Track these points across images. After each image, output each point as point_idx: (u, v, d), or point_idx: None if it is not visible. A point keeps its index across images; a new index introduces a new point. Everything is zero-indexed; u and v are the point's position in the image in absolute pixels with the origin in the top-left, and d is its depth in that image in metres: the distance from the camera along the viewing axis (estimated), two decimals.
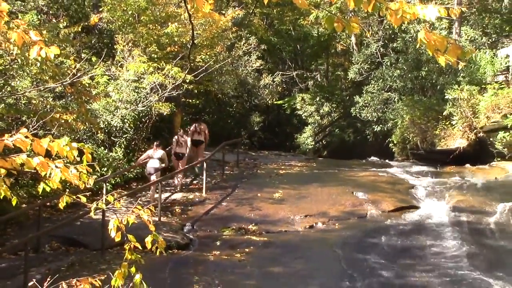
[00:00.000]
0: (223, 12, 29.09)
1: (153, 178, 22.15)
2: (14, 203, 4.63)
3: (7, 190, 4.25)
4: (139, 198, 21.29)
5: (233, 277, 15.15)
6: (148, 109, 24.60)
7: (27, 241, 15.66)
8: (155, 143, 23.37)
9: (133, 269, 4.66)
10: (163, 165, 22.98)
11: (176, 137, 24.65)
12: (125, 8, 26.68)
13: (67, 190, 4.54)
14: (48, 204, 18.19)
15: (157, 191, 21.42)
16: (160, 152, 22.84)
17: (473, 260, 16.20)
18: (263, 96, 38.62)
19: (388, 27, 37.42)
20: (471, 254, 16.61)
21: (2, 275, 14.50)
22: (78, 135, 21.29)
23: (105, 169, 21.74)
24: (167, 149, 24.13)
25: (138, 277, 4.69)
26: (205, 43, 27.11)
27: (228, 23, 29.05)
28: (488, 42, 38.50)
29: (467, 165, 30.19)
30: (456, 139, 32.64)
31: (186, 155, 24.68)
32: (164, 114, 25.00)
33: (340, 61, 43.53)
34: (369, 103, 37.21)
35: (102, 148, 23.06)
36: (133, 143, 24.84)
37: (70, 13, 28.25)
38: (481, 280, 14.78)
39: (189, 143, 25.00)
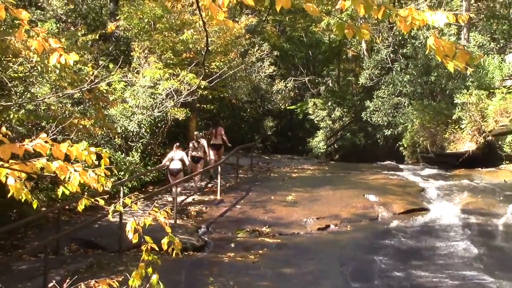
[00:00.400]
0: (237, 19, 29.13)
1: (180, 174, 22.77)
2: (34, 206, 4.65)
3: (28, 193, 4.26)
4: (156, 201, 21.30)
5: (247, 278, 15.15)
6: (164, 114, 24.65)
7: (47, 244, 15.74)
8: (175, 144, 23.81)
9: (150, 270, 4.67)
10: (185, 165, 23.48)
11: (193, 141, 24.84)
12: (141, 16, 26.76)
13: (86, 193, 4.55)
14: (67, 207, 18.24)
15: (178, 190, 22.01)
16: (180, 153, 23.29)
17: (482, 261, 16.17)
18: (276, 101, 38.65)
19: (397, 33, 37.37)
20: (480, 256, 16.58)
21: (22, 277, 14.55)
22: (96, 140, 21.35)
23: (122, 173, 21.80)
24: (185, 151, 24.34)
25: (154, 278, 4.70)
26: (219, 49, 27.15)
27: (242, 30, 29.08)
28: (496, 48, 38.40)
29: (477, 168, 30.14)
30: (465, 143, 32.60)
31: (202, 159, 24.89)
32: (180, 119, 25.06)
33: (351, 66, 43.57)
34: (380, 108, 37.18)
35: (119, 152, 23.12)
36: (149, 147, 24.91)
37: (88, 22, 28.37)
38: (490, 282, 14.74)
39: (205, 145, 25.25)
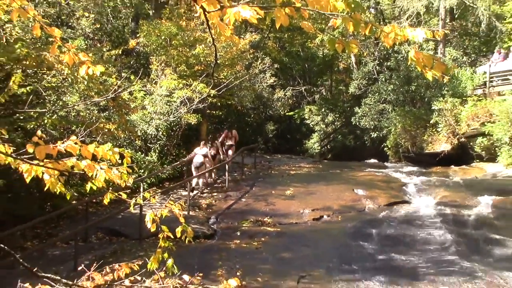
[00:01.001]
0: (242, 36, 29.13)
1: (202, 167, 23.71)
2: (68, 197, 4.67)
3: (62, 186, 4.29)
4: (171, 195, 21.33)
5: (251, 262, 15.17)
6: (178, 119, 24.76)
7: (77, 232, 15.88)
8: (202, 141, 24.83)
9: (166, 255, 4.68)
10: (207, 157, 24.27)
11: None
12: (158, 34, 26.81)
13: (110, 188, 4.57)
14: (94, 200, 18.28)
15: (200, 181, 23.42)
16: (204, 150, 24.13)
17: (456, 246, 16.21)
18: (276, 108, 38.64)
19: (382, 48, 37.38)
20: (454, 242, 16.60)
21: (56, 261, 14.58)
22: (119, 142, 21.40)
23: (142, 170, 21.86)
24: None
25: (170, 262, 4.72)
26: (226, 63, 27.18)
27: (246, 46, 29.10)
28: (468, 61, 38.46)
29: (451, 166, 30.25)
30: (441, 144, 32.73)
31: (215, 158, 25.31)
32: (192, 123, 25.13)
33: (342, 77, 43.56)
34: (367, 113, 37.23)
35: (139, 152, 23.19)
36: (165, 148, 24.98)
37: (112, 39, 28.37)
38: (462, 264, 14.80)
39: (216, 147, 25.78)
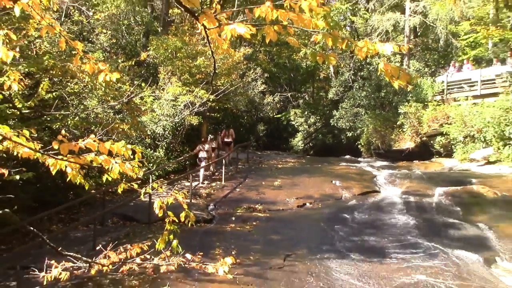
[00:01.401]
0: (237, 49, 29.09)
1: (203, 164, 24.15)
2: (86, 187, 4.67)
3: (82, 178, 4.28)
4: (176, 186, 21.29)
5: (245, 242, 15.17)
6: (182, 120, 24.79)
7: (95, 217, 15.87)
8: (209, 137, 26.00)
9: (171, 237, 4.67)
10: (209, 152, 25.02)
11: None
12: (166, 48, 26.79)
13: (124, 179, 4.56)
14: (110, 190, 18.28)
15: (205, 172, 24.24)
16: (207, 146, 24.84)
17: (418, 229, 16.25)
18: (266, 111, 38.61)
19: (357, 60, 37.42)
20: (416, 225, 16.66)
21: (77, 242, 14.55)
22: (131, 140, 21.38)
23: (151, 164, 21.86)
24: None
25: (175, 242, 4.71)
26: (223, 72, 27.17)
27: (241, 58, 29.08)
28: (429, 72, 38.62)
29: (414, 161, 30.40)
30: (406, 142, 32.89)
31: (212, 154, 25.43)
32: (194, 124, 25.17)
33: (322, 85, 43.55)
34: (343, 116, 37.30)
35: (149, 149, 23.19)
36: (171, 145, 24.98)
37: (126, 52, 28.31)
38: (423, 244, 14.82)
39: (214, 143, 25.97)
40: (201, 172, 24.05)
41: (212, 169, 25.62)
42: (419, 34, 41.17)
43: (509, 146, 25.87)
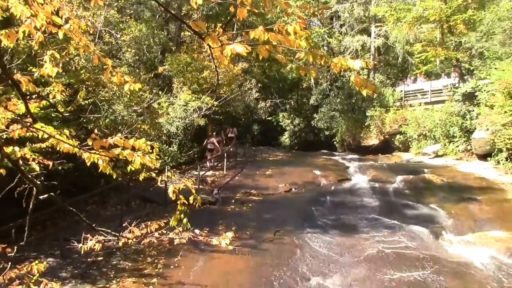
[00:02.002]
0: (236, 64, 29.04)
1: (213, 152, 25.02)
2: (114, 176, 4.66)
3: (110, 169, 4.27)
4: (186, 174, 21.29)
5: (242, 220, 15.18)
6: (192, 122, 24.79)
7: (122, 200, 15.85)
8: (214, 133, 26.73)
9: (183, 216, 4.66)
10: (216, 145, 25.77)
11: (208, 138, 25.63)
12: (178, 63, 26.78)
13: (144, 169, 4.56)
14: (133, 178, 18.22)
15: (210, 164, 24.51)
16: (214, 139, 25.60)
17: (381, 209, 16.30)
18: (260, 114, 38.50)
19: (332, 73, 37.42)
20: (380, 206, 16.70)
21: (107, 220, 14.55)
22: (150, 137, 21.30)
23: (166, 157, 21.79)
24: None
25: (185, 220, 4.70)
26: (225, 82, 27.12)
27: (239, 71, 29.03)
28: (390, 83, 38.62)
29: (379, 155, 30.43)
30: (372, 139, 32.99)
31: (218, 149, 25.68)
32: (201, 124, 25.15)
33: (304, 93, 43.47)
34: (322, 118, 37.29)
35: (165, 145, 23.14)
36: (183, 142, 24.96)
37: (146, 66, 28.26)
38: (385, 220, 14.89)
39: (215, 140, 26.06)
40: (208, 163, 24.35)
41: (216, 162, 25.61)
42: (382, 52, 41.15)
43: (453, 143, 25.97)
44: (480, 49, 26.03)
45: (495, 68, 21.44)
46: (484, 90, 22.42)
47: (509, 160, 21.05)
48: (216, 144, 26.04)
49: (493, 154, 22.20)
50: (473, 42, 26.35)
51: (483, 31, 25.36)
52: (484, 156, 22.96)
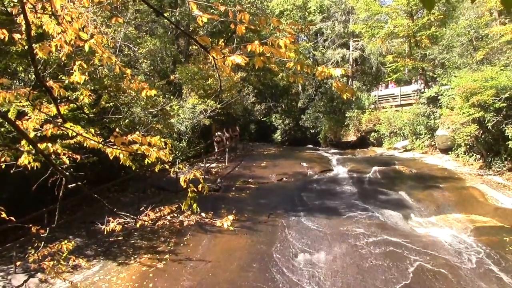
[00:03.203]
0: (236, 73, 28.98)
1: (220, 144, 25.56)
2: (133, 168, 4.65)
3: (130, 161, 4.27)
4: (194, 166, 21.27)
5: (241, 205, 15.19)
6: (198, 122, 24.72)
7: (139, 188, 15.81)
8: (224, 129, 26.83)
9: (192, 201, 4.66)
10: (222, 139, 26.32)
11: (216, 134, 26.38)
12: (187, 72, 26.69)
13: (159, 162, 4.55)
14: (149, 169, 18.21)
15: (217, 156, 24.81)
16: (222, 135, 26.14)
17: (359, 195, 16.32)
18: (256, 115, 38.53)
19: (317, 80, 37.32)
20: (358, 192, 16.72)
21: (127, 205, 14.53)
22: (163, 135, 21.24)
23: (177, 152, 21.76)
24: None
25: (195, 205, 4.70)
26: (226, 89, 27.07)
27: (238, 79, 28.98)
28: (366, 89, 38.59)
29: (356, 149, 30.45)
30: (351, 136, 32.98)
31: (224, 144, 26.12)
32: (206, 124, 25.08)
33: (294, 98, 43.30)
34: (308, 119, 37.28)
35: (176, 141, 23.07)
36: (191, 139, 24.85)
37: (160, 75, 28.17)
38: (362, 205, 14.91)
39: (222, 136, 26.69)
40: (216, 155, 24.63)
41: (219, 155, 25.65)
42: (359, 63, 41.04)
43: (419, 139, 26.01)
44: (442, 60, 26.03)
45: (455, 76, 21.46)
46: (446, 95, 22.47)
47: (467, 153, 21.13)
48: (223, 138, 26.36)
49: (453, 148, 22.27)
50: (436, 54, 26.35)
51: (444, 45, 25.37)
52: (446, 150, 23.03)
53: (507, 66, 20.22)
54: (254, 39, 29.08)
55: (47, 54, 4.09)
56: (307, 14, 41.15)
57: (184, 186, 4.69)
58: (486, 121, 18.59)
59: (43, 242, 5.20)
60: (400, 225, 13.11)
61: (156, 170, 5.29)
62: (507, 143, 18.04)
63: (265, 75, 40.38)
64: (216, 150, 25.16)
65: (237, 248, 11.23)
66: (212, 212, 9.45)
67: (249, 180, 19.50)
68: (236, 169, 21.92)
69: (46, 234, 5.02)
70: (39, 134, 4.63)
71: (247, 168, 22.00)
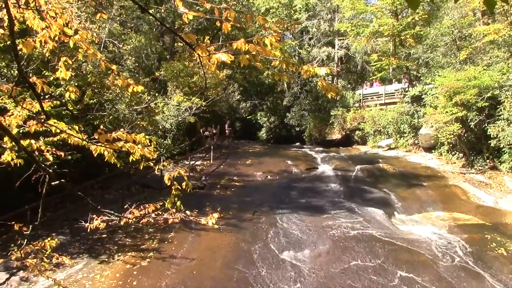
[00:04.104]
0: (221, 71, 28.90)
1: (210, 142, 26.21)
2: (118, 165, 4.64)
3: (115, 159, 4.26)
4: (179, 164, 21.19)
5: (226, 203, 15.18)
6: (183, 119, 24.59)
7: (123, 186, 15.69)
8: (212, 126, 28.18)
9: (176, 199, 4.65)
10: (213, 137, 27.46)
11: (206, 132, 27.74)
12: (172, 69, 26.57)
13: (143, 159, 4.54)
14: (133, 167, 18.10)
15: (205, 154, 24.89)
16: (212, 130, 27.52)
17: (343, 193, 16.41)
18: (241, 113, 38.56)
19: (302, 78, 37.41)
20: (342, 191, 16.81)
21: (110, 202, 14.40)
22: (148, 132, 21.12)
23: (162, 149, 21.64)
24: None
25: (178, 203, 4.69)
26: (212, 86, 27.01)
27: (224, 77, 28.93)
28: (351, 87, 38.80)
29: (341, 147, 30.59)
30: (335, 134, 33.14)
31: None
32: (191, 122, 24.96)
33: (279, 95, 43.39)
34: (293, 117, 37.36)
35: (161, 138, 22.93)
36: (176, 136, 24.69)
37: (145, 71, 27.97)
38: (346, 203, 15.00)
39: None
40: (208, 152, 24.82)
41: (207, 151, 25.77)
42: (344, 61, 41.25)
43: (403, 137, 26.25)
44: (426, 59, 26.28)
45: (438, 75, 21.68)
46: (429, 94, 22.68)
47: (449, 152, 21.38)
48: (213, 133, 27.47)
49: (436, 147, 22.52)
50: (420, 53, 26.60)
51: (428, 44, 25.62)
52: (429, 149, 23.28)
53: (489, 66, 20.49)
54: (240, 36, 29.08)
55: (31, 50, 4.06)
56: (292, 12, 41.23)
57: (168, 184, 4.69)
58: (468, 120, 18.84)
59: (26, 240, 5.16)
60: (383, 222, 13.22)
61: (141, 167, 5.27)
62: (489, 142, 18.32)
63: (250, 73, 40.40)
64: (206, 145, 25.41)
65: (222, 246, 11.23)
66: (197, 210, 9.44)
67: (234, 178, 19.48)
68: (221, 166, 21.89)
69: (29, 232, 4.97)
70: (22, 131, 4.59)
71: (232, 166, 21.97)
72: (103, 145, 4.00)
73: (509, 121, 17.72)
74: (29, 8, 3.93)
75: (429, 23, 28.25)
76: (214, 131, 27.66)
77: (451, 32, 23.42)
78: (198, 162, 23.00)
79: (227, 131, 29.88)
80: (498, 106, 18.39)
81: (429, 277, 9.49)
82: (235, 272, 9.76)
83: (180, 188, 4.69)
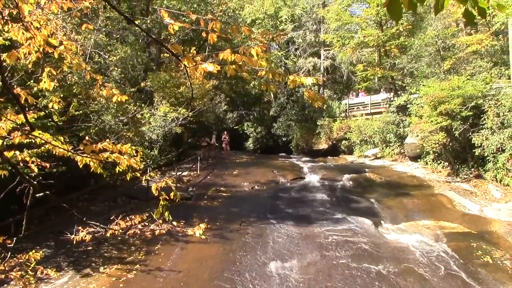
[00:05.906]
0: (208, 81, 28.89)
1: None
2: (105, 175, 4.60)
3: (101, 169, 4.23)
4: (166, 174, 21.07)
5: (213, 213, 15.12)
6: (170, 130, 24.48)
7: (109, 197, 15.55)
8: (207, 135, 29.71)
9: (164, 209, 4.63)
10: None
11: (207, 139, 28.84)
12: (158, 80, 26.51)
13: (130, 170, 4.51)
14: (120, 178, 17.96)
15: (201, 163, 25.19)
16: (210, 140, 28.80)
17: (330, 203, 16.43)
18: (228, 123, 38.48)
19: (289, 89, 37.54)
20: (329, 200, 16.82)
21: (96, 214, 14.25)
22: (134, 143, 20.99)
23: (149, 160, 21.51)
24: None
25: (166, 213, 4.67)
26: (198, 96, 26.96)
27: (210, 87, 28.91)
28: (337, 97, 39.04)
29: (328, 157, 30.66)
30: (322, 144, 33.17)
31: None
32: (178, 132, 24.84)
33: (266, 106, 43.46)
34: (280, 127, 37.39)
35: (147, 149, 22.79)
36: (162, 147, 24.53)
37: (131, 82, 27.82)
38: (333, 212, 15.01)
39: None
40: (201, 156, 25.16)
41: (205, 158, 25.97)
42: (330, 72, 41.56)
43: (389, 147, 26.44)
44: (411, 69, 26.58)
45: (423, 85, 21.91)
46: (414, 103, 22.90)
47: (435, 161, 21.57)
48: (210, 142, 28.27)
49: (422, 156, 22.71)
50: (405, 63, 26.90)
51: (413, 54, 25.93)
52: (415, 158, 23.47)
53: (473, 76, 20.78)
54: (226, 47, 28.98)
55: (15, 61, 4.03)
56: (278, 23, 41.49)
57: (156, 194, 4.67)
58: (453, 129, 19.04)
59: (9, 253, 5.08)
60: (370, 232, 13.26)
61: (128, 178, 5.24)
62: (473, 150, 18.53)
63: (237, 83, 40.47)
64: (202, 155, 25.55)
65: (209, 257, 11.17)
66: (183, 221, 9.38)
67: (221, 188, 19.42)
68: (208, 177, 21.82)
69: (13, 245, 4.90)
70: (6, 143, 4.54)
71: (219, 176, 21.91)
72: (88, 156, 3.98)
73: (492, 130, 17.96)
74: (13, 19, 3.91)
75: (413, 34, 28.62)
76: (210, 141, 27.84)
77: (435, 42, 23.74)
78: (185, 173, 22.91)
79: (224, 140, 30.64)
80: (481, 115, 18.63)
81: (416, 285, 9.52)
82: (223, 283, 9.70)
83: (168, 198, 4.67)
